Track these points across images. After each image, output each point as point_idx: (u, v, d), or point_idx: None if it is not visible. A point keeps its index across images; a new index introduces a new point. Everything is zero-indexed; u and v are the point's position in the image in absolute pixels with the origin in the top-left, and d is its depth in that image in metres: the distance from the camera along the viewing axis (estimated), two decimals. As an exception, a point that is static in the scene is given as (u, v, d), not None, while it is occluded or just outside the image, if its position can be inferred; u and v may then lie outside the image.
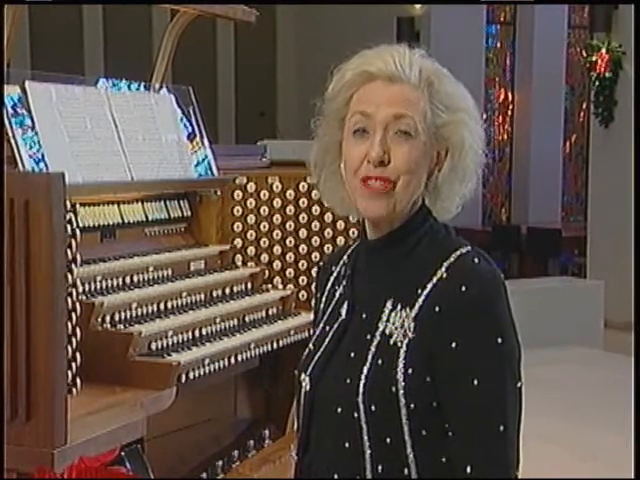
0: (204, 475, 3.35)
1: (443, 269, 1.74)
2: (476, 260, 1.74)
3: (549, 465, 5.11)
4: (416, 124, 1.74)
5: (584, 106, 13.63)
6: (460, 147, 1.79)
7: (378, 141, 1.73)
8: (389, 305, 1.77)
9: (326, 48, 10.66)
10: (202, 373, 2.87)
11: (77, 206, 2.46)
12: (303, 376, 1.85)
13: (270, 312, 3.49)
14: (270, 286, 3.66)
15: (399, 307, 1.76)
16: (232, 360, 3.03)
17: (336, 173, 1.84)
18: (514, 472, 1.71)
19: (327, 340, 1.85)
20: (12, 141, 2.78)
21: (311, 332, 3.03)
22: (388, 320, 1.76)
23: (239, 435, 3.67)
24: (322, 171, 1.87)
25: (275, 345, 3.30)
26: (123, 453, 2.58)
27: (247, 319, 3.33)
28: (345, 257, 1.94)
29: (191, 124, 3.63)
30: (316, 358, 1.84)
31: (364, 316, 1.81)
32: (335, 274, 1.95)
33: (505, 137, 13.84)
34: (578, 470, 5.25)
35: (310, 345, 1.90)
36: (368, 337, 1.77)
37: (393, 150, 1.74)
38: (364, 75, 1.77)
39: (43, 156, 2.85)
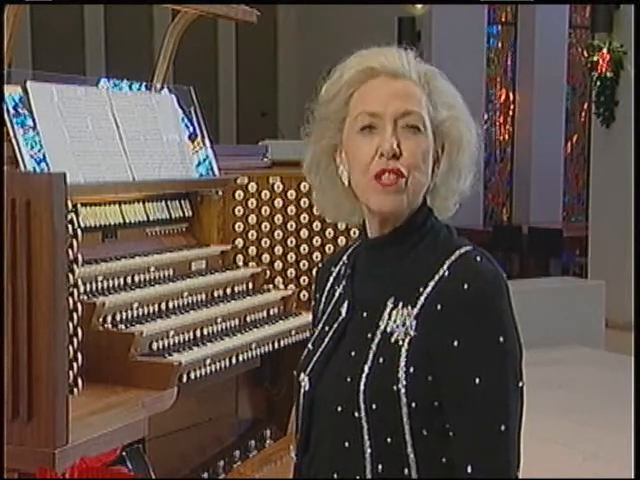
0: (205, 475, 3.35)
1: (445, 267, 1.73)
2: (478, 259, 1.74)
3: (549, 465, 5.11)
4: (423, 119, 1.74)
5: (585, 106, 13.63)
6: (458, 143, 1.79)
7: (390, 133, 1.73)
8: (390, 303, 1.77)
9: (327, 48, 10.64)
10: (203, 373, 2.87)
11: (78, 206, 2.46)
12: (302, 376, 1.84)
13: (271, 312, 3.49)
14: (271, 286, 3.66)
15: (400, 305, 1.75)
16: (233, 360, 3.03)
17: (331, 178, 1.83)
18: (515, 472, 1.71)
19: (327, 339, 1.84)
20: (13, 141, 2.79)
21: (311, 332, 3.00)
22: (389, 318, 1.75)
23: (240, 435, 3.67)
24: (317, 176, 1.86)
25: (276, 345, 3.31)
26: (124, 453, 2.58)
27: (248, 319, 3.33)
28: (345, 257, 1.93)
29: (192, 124, 3.63)
30: (315, 358, 1.84)
31: (365, 315, 1.80)
32: (335, 274, 1.94)
33: (506, 137, 13.83)
34: (578, 470, 5.25)
35: (309, 345, 1.89)
36: (369, 336, 1.76)
37: (403, 143, 1.73)
38: (367, 71, 1.76)
39: (44, 156, 2.86)
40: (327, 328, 1.87)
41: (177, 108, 3.60)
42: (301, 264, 3.71)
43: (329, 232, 3.68)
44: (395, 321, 1.75)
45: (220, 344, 3.01)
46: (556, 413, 6.23)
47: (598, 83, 9.79)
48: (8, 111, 2.80)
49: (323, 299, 1.95)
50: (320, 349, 1.84)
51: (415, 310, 1.73)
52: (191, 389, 2.89)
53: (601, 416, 6.34)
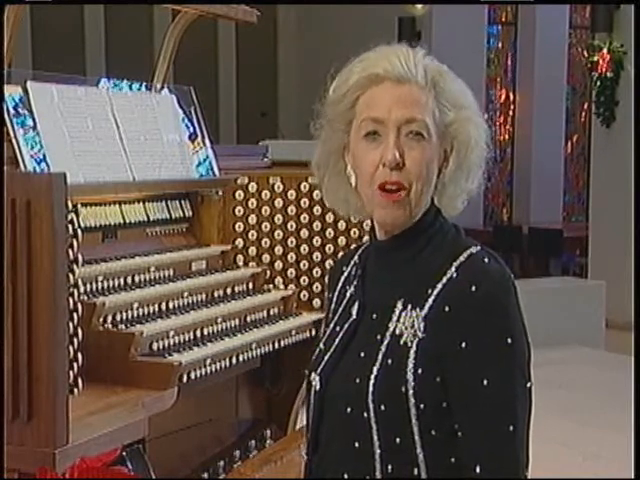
0: (205, 475, 3.35)
1: (453, 269, 1.74)
2: (486, 260, 1.74)
3: (549, 465, 5.11)
4: (428, 125, 1.74)
5: (585, 106, 13.63)
6: (467, 144, 1.79)
7: (393, 143, 1.73)
8: (399, 305, 1.77)
9: (327, 48, 10.67)
10: (203, 373, 2.87)
11: (78, 206, 2.46)
12: (313, 375, 1.86)
13: (271, 312, 3.49)
14: (271, 286, 3.66)
15: (409, 307, 1.76)
16: (233, 360, 3.03)
17: (339, 174, 1.85)
18: (523, 472, 1.72)
19: (337, 340, 1.85)
20: (14, 141, 2.78)
21: (313, 332, 3.05)
22: (398, 320, 1.76)
23: (240, 435, 3.67)
24: (325, 173, 1.88)
25: (276, 345, 3.31)
26: (124, 453, 2.58)
27: (248, 319, 3.33)
28: (356, 257, 1.94)
29: (192, 124, 3.63)
30: (326, 358, 1.85)
31: (374, 316, 1.81)
32: (346, 274, 1.95)
33: (506, 137, 13.83)
34: (578, 470, 5.26)
35: (321, 345, 1.90)
36: (378, 337, 1.77)
37: (407, 152, 1.74)
38: (371, 77, 1.76)
39: (44, 156, 2.85)
40: (338, 328, 1.88)
41: (177, 108, 3.60)
42: (301, 264, 3.71)
43: (329, 232, 3.68)
44: (404, 323, 1.75)
45: (220, 344, 3.01)
46: (556, 413, 6.23)
47: (598, 83, 9.79)
48: (8, 111, 2.80)
49: (335, 299, 1.96)
50: (331, 349, 1.85)
51: (423, 312, 1.74)
52: (191, 389, 2.89)
53: (601, 416, 6.34)
